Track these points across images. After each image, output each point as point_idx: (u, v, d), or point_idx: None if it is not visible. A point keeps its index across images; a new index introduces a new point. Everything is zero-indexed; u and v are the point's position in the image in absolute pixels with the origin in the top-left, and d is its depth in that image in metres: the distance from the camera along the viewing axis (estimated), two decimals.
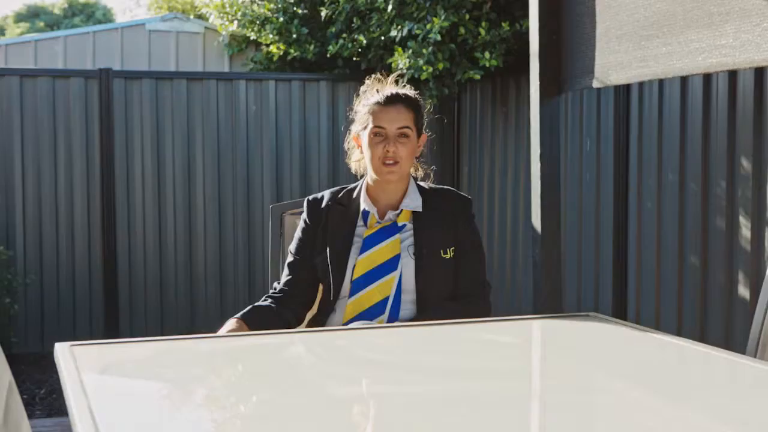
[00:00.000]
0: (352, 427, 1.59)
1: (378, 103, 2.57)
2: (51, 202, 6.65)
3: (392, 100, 2.57)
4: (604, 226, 5.12)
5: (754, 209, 4.06)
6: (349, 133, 2.72)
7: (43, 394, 5.58)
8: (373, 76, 2.71)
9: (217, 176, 6.94)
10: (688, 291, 4.46)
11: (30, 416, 5.11)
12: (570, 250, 5.41)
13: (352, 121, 2.70)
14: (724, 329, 4.18)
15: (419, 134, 2.62)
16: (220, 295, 6.96)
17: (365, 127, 2.59)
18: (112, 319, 6.73)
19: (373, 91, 2.64)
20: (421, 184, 2.68)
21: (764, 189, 4.02)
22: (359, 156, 2.67)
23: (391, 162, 2.53)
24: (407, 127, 2.56)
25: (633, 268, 4.88)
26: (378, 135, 2.54)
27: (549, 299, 4.09)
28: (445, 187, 2.71)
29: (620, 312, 4.92)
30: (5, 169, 6.57)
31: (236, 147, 6.97)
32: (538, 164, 4.06)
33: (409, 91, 2.66)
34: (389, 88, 2.63)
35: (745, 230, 4.09)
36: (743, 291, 4.10)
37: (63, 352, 1.99)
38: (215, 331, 2.43)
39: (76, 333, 6.60)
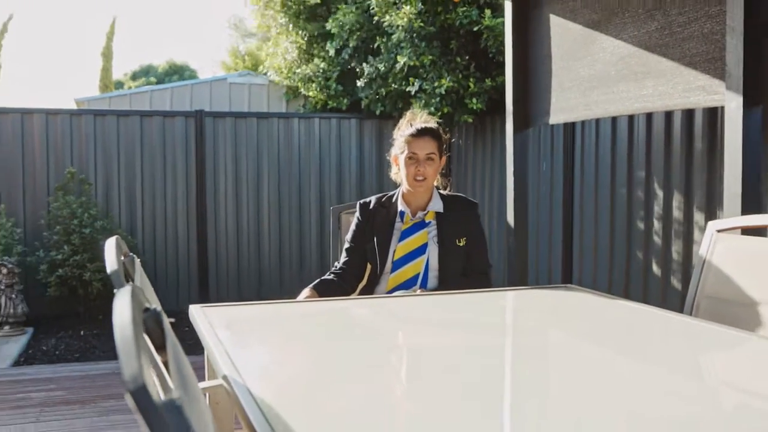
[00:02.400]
0: (400, 362, 1.59)
1: (412, 134, 2.52)
2: (161, 205, 6.68)
3: (422, 132, 2.52)
4: (555, 223, 5.13)
5: (664, 211, 4.09)
6: (390, 154, 2.66)
7: None
8: (406, 113, 2.64)
9: (277, 187, 6.95)
10: (616, 268, 4.49)
11: None
12: (530, 240, 5.44)
13: (391, 145, 2.65)
14: (642, 292, 4.22)
15: (441, 157, 2.56)
16: (279, 272, 6.97)
17: (402, 152, 2.54)
18: (203, 288, 6.76)
19: (407, 124, 2.58)
20: (441, 192, 2.64)
21: (670, 197, 4.06)
22: (396, 171, 2.61)
23: (420, 178, 2.50)
24: (433, 153, 2.51)
25: (577, 251, 4.90)
26: (412, 159, 2.50)
27: (519, 275, 4.13)
28: (459, 194, 2.66)
29: (567, 282, 4.95)
30: (129, 183, 6.59)
31: (291, 166, 6.97)
32: (512, 179, 4.08)
33: (433, 124, 2.59)
34: (420, 123, 2.57)
35: (657, 225, 4.13)
36: (656, 267, 4.14)
37: (197, 311, 1.96)
38: (280, 297, 2.36)
39: (178, 298, 6.64)
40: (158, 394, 0.59)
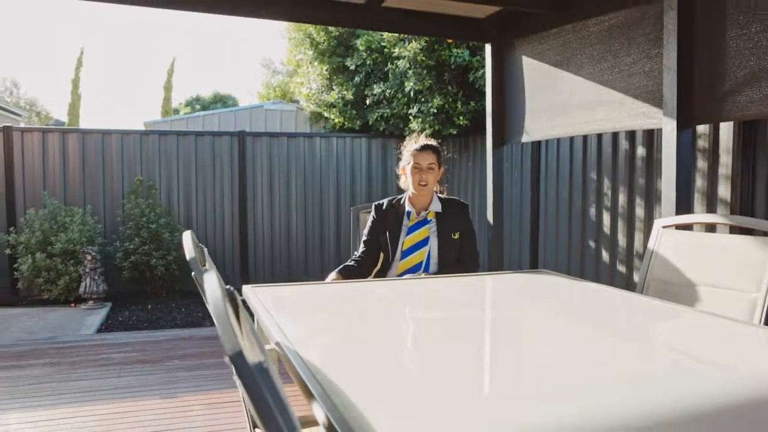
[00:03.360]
0: (410, 329, 1.59)
1: (417, 149, 2.53)
2: (211, 206, 6.67)
3: (425, 147, 2.53)
4: (524, 220, 5.13)
5: (612, 208, 4.08)
6: (398, 166, 2.65)
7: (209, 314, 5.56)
8: (411, 133, 2.62)
9: (303, 192, 6.93)
10: (573, 256, 4.49)
11: (201, 326, 5.13)
12: (505, 233, 5.43)
13: (400, 159, 2.65)
14: (594, 274, 4.22)
15: (440, 167, 2.56)
16: (305, 260, 6.95)
17: (409, 163, 2.54)
18: (244, 272, 6.75)
19: (412, 142, 2.58)
20: (440, 195, 2.63)
21: (616, 198, 4.05)
22: (404, 180, 2.61)
23: (423, 184, 2.50)
24: (433, 163, 2.52)
25: (542, 242, 4.90)
26: (416, 168, 2.51)
27: (497, 261, 4.13)
28: (454, 197, 2.65)
29: (534, 266, 4.95)
30: (186, 188, 6.59)
31: (314, 176, 6.96)
32: (491, 185, 4.08)
33: (434, 141, 2.59)
34: (422, 140, 2.58)
35: (606, 219, 4.12)
36: (605, 254, 4.13)
37: (249, 290, 1.95)
38: (305, 280, 2.29)
39: (225, 280, 6.60)
40: (251, 358, 0.59)
